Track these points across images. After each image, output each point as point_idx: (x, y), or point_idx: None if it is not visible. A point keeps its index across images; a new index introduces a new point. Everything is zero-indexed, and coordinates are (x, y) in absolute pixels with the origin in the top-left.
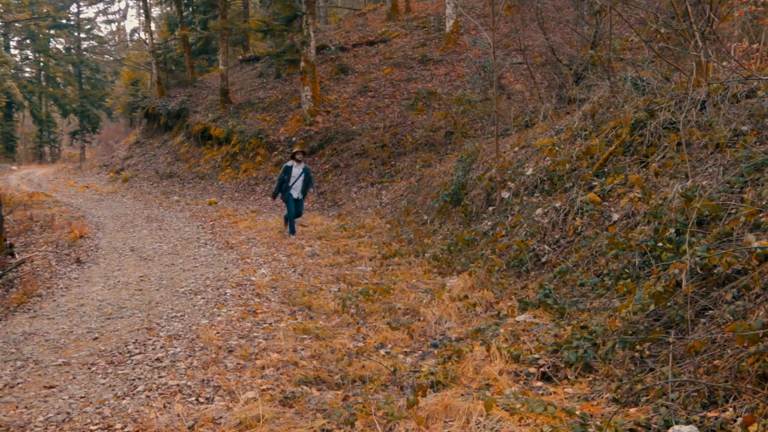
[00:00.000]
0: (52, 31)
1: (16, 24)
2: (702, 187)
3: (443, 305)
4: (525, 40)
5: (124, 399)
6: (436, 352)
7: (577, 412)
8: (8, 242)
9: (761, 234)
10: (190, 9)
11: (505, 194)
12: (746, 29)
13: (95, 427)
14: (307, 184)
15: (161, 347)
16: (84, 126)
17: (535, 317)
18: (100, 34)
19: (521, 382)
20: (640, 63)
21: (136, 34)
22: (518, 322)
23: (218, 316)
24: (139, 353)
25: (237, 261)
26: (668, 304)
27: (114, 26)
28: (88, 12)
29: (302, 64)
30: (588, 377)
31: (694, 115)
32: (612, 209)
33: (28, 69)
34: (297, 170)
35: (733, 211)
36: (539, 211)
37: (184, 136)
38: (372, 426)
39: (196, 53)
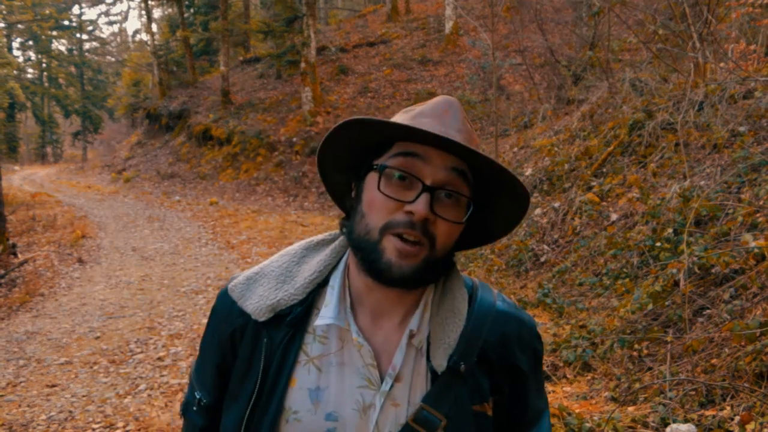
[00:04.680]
0: (54, 33)
1: (19, 25)
2: (700, 187)
3: None
4: (524, 41)
5: (125, 398)
6: None
7: (576, 411)
8: (11, 242)
9: (758, 234)
10: (192, 10)
11: None
12: (744, 30)
13: (97, 426)
14: None
15: (163, 346)
16: (86, 126)
17: (534, 316)
18: (102, 35)
19: None
20: (639, 64)
21: (138, 36)
22: None
23: None
24: (141, 352)
25: (238, 261)
26: (666, 303)
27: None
28: (90, 13)
29: (303, 65)
30: (586, 376)
31: (692, 116)
32: (610, 209)
33: (30, 70)
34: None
35: (731, 210)
36: (538, 211)
37: (186, 137)
38: None
39: (197, 54)
